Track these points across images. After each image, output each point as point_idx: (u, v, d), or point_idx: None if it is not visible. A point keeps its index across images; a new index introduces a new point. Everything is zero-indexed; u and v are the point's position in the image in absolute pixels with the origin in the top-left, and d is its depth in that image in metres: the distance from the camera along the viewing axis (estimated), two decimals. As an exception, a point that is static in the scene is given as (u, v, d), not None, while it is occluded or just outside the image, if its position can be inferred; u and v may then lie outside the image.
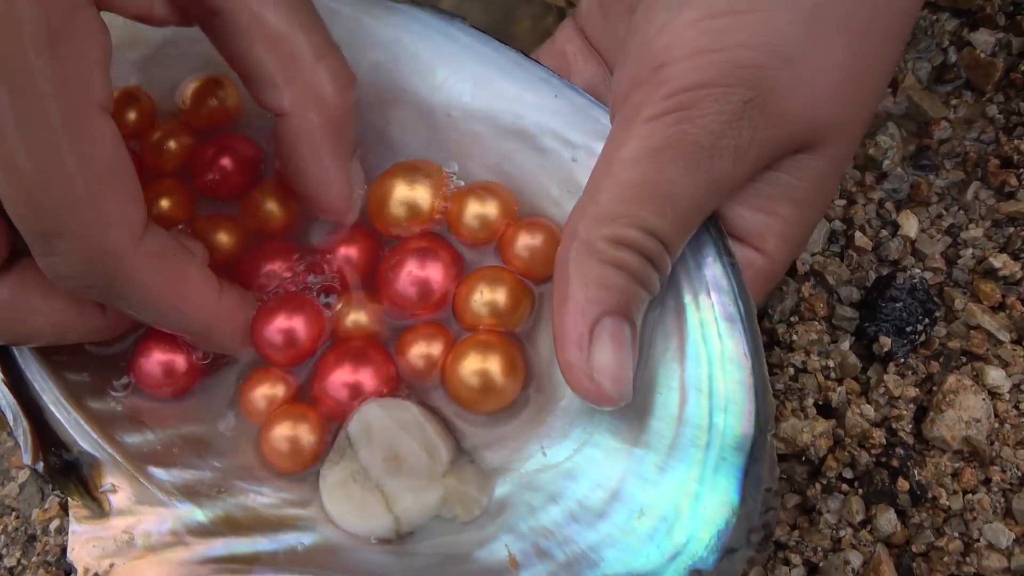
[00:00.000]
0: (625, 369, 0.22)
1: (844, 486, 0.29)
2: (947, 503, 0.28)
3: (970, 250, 0.33)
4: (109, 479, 0.24)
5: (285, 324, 0.25)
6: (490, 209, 0.26)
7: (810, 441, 0.29)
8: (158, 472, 0.24)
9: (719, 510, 0.22)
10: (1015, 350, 0.30)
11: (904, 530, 0.28)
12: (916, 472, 0.28)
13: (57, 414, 0.24)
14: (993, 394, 0.29)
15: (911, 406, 0.30)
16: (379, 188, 0.26)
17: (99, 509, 0.23)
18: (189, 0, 0.23)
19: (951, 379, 0.30)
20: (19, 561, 0.31)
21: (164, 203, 0.27)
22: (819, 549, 0.28)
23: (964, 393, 0.29)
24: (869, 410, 0.29)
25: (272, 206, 0.27)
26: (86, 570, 0.22)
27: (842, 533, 0.28)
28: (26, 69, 0.19)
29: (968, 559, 0.27)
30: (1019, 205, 0.33)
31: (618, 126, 0.23)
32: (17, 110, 0.19)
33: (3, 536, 0.31)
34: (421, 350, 0.25)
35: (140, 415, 0.25)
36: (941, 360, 0.31)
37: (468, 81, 0.27)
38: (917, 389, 0.30)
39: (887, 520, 0.28)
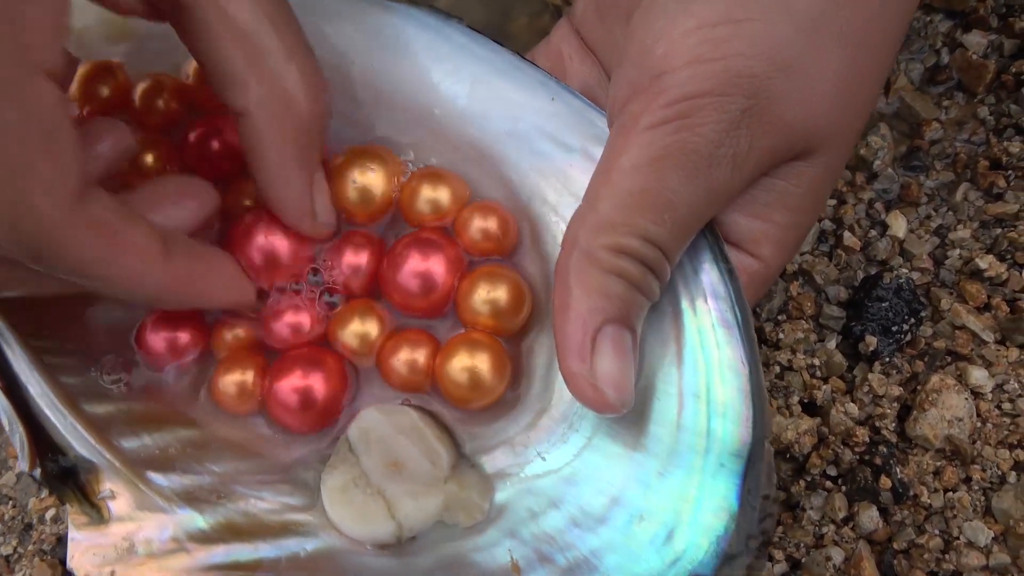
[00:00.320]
0: (627, 376, 0.22)
1: (828, 483, 0.30)
2: (928, 501, 0.29)
3: (957, 251, 0.33)
4: (107, 485, 0.24)
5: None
6: (441, 194, 0.26)
7: (794, 438, 0.29)
8: (157, 477, 0.24)
9: (718, 516, 0.22)
10: (999, 350, 0.31)
11: (886, 527, 0.29)
12: (899, 470, 0.29)
13: (53, 419, 0.23)
14: (976, 394, 0.30)
15: (895, 405, 0.30)
16: (337, 175, 0.26)
17: (98, 516, 0.23)
18: None
19: (934, 378, 0.30)
20: (15, 550, 0.31)
21: (148, 158, 0.27)
22: (802, 545, 0.29)
23: (947, 392, 0.30)
24: (853, 408, 0.30)
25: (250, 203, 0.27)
26: None
27: (825, 530, 0.29)
28: None
29: (948, 556, 0.28)
30: (1007, 207, 0.33)
31: (617, 134, 0.23)
32: None
33: (0, 525, 0.32)
34: (406, 356, 0.25)
35: (135, 418, 0.25)
36: (926, 360, 0.31)
37: (465, 82, 0.27)
38: (901, 388, 0.31)
39: (869, 517, 0.29)
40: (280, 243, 0.25)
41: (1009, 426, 0.29)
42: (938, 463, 0.29)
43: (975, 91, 0.36)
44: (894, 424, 0.30)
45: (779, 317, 0.33)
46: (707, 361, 0.23)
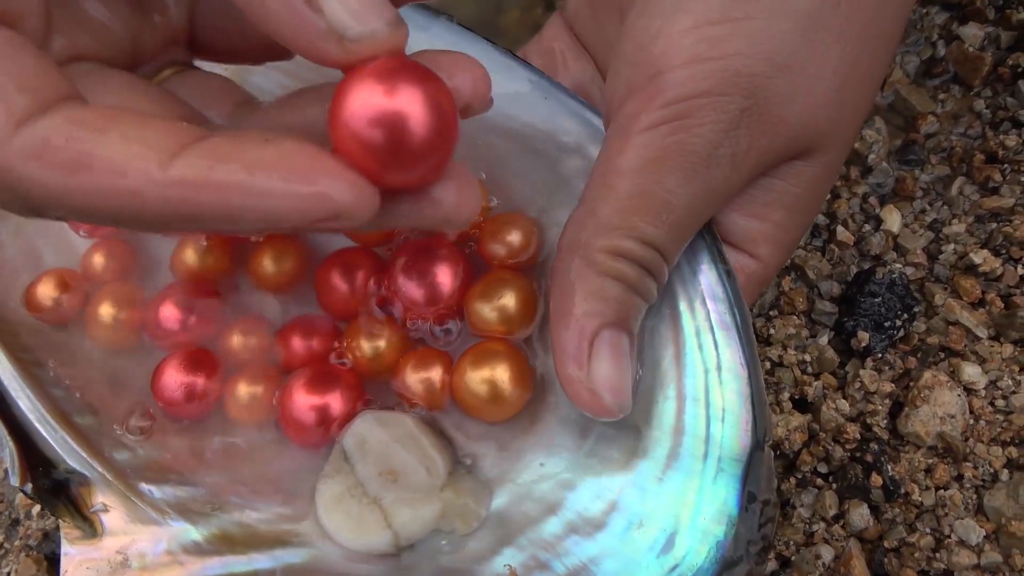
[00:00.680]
0: (624, 381, 0.22)
1: (818, 480, 0.30)
2: (919, 499, 0.29)
3: (952, 245, 0.33)
4: (100, 498, 0.23)
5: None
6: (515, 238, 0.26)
7: (785, 435, 0.30)
8: (150, 489, 0.24)
9: (718, 521, 0.22)
10: (992, 346, 0.31)
11: (877, 525, 0.29)
12: (890, 467, 0.29)
13: (44, 432, 0.23)
14: (969, 390, 0.30)
15: (886, 401, 0.30)
16: None
17: (91, 529, 0.23)
18: None
19: (927, 375, 0.30)
20: (1, 545, 0.31)
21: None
22: (791, 543, 0.29)
23: (939, 389, 0.30)
24: (844, 405, 0.30)
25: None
26: None
27: (815, 527, 0.29)
28: None
29: (939, 555, 0.28)
30: (1002, 201, 0.33)
31: (614, 134, 0.23)
32: None
33: (-14, 520, 0.32)
34: (420, 375, 0.25)
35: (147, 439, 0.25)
36: (919, 356, 0.31)
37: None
38: (893, 385, 0.31)
39: (860, 515, 0.29)
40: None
41: (1002, 423, 0.30)
42: (930, 460, 0.29)
43: (971, 84, 0.35)
44: (886, 421, 0.30)
45: (771, 313, 0.33)
46: (706, 364, 0.23)
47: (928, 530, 0.29)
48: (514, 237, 0.25)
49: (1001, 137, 0.34)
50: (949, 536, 0.28)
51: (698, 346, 0.23)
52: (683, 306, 0.24)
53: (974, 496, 0.29)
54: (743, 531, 0.22)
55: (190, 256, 0.26)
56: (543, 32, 0.31)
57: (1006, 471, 0.29)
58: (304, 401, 0.24)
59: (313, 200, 0.15)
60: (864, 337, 0.31)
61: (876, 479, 0.29)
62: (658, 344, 0.24)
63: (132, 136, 0.15)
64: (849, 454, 0.30)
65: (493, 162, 0.26)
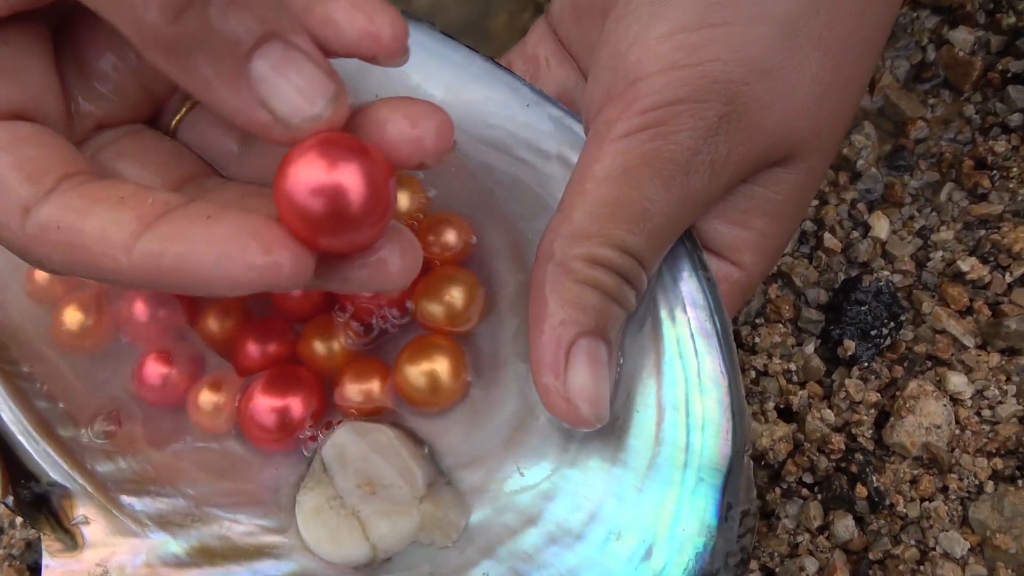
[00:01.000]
0: (602, 390, 0.22)
1: (803, 491, 0.30)
2: (904, 511, 0.29)
3: (940, 253, 0.33)
4: (81, 510, 0.23)
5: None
6: (402, 198, 0.26)
7: (770, 445, 0.29)
8: (131, 501, 0.24)
9: (697, 532, 0.22)
10: (979, 355, 0.31)
11: (862, 537, 0.29)
12: (875, 478, 0.29)
13: (26, 444, 0.23)
14: (955, 400, 0.30)
15: (872, 411, 0.30)
16: None
17: (72, 542, 0.23)
18: None
19: (913, 384, 0.30)
20: (-17, 554, 0.31)
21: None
22: (776, 555, 0.29)
23: (925, 399, 0.30)
24: (830, 415, 0.30)
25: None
26: None
27: (799, 539, 0.29)
28: None
29: (923, 568, 0.28)
30: (991, 207, 0.33)
31: (591, 142, 0.23)
32: None
33: (-32, 532, 0.32)
34: (359, 386, 0.25)
35: (112, 442, 0.25)
36: (905, 365, 0.31)
37: (438, 89, 0.26)
38: (879, 394, 0.30)
39: (845, 527, 0.29)
40: None
41: (988, 433, 0.29)
42: (915, 471, 0.29)
43: (961, 89, 0.35)
44: (871, 431, 0.30)
45: (756, 320, 0.32)
46: (686, 372, 0.23)
47: (913, 542, 0.28)
48: (449, 236, 0.25)
49: (991, 143, 0.34)
50: (934, 548, 0.28)
51: (679, 354, 0.23)
52: (664, 314, 0.23)
53: (959, 508, 0.29)
54: (722, 542, 0.22)
55: None
56: (527, 37, 0.30)
57: (991, 483, 0.29)
58: (264, 404, 0.24)
59: (247, 275, 0.17)
60: (850, 346, 0.31)
61: (861, 490, 0.29)
62: (639, 352, 0.23)
63: (105, 224, 0.18)
64: (834, 464, 0.29)
65: (473, 171, 0.26)
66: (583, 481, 0.23)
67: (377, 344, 0.26)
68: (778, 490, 0.30)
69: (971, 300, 0.32)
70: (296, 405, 0.24)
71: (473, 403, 0.25)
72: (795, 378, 0.31)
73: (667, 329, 0.23)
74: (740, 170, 0.22)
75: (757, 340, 0.31)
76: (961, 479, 0.29)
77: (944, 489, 0.29)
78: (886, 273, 0.32)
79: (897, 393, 0.30)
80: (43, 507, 0.24)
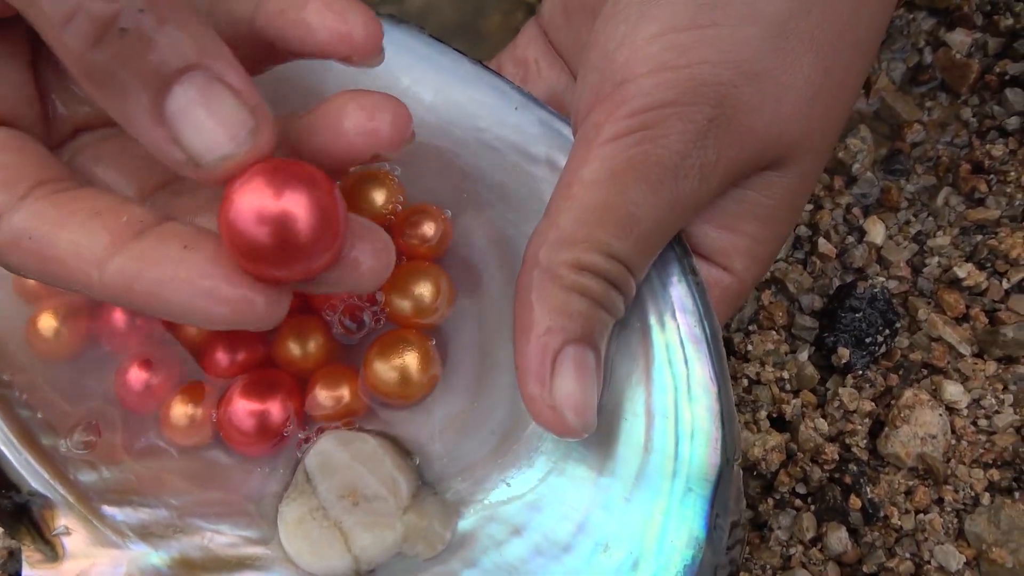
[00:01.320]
0: (589, 399, 0.22)
1: (796, 502, 0.29)
2: (899, 522, 0.28)
3: (936, 258, 0.32)
4: (62, 521, 0.23)
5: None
6: (378, 196, 0.26)
7: (762, 455, 0.29)
8: (112, 512, 0.23)
9: (685, 544, 0.21)
10: (976, 364, 0.30)
11: (855, 549, 0.28)
12: (869, 489, 0.28)
13: (7, 454, 0.23)
14: (951, 409, 0.29)
15: (866, 421, 0.30)
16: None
17: (52, 553, 0.23)
18: None
19: (908, 393, 0.29)
20: (-35, 564, 0.31)
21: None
22: (768, 567, 0.28)
23: (921, 408, 0.29)
24: (823, 424, 0.29)
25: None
26: None
27: (792, 551, 0.28)
28: None
29: (917, 581, 0.27)
30: (988, 212, 0.33)
31: (579, 145, 0.22)
32: None
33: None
34: (330, 393, 0.25)
35: (94, 452, 0.25)
36: (901, 373, 0.31)
37: (427, 92, 0.26)
38: (873, 403, 0.30)
39: (838, 539, 0.28)
40: None
41: (985, 444, 0.29)
42: (910, 483, 0.29)
43: (958, 91, 0.35)
44: (865, 441, 0.29)
45: (749, 327, 0.32)
46: (675, 379, 0.22)
47: (908, 555, 0.28)
48: (427, 228, 0.25)
49: (988, 147, 0.33)
50: (929, 562, 0.28)
51: (668, 361, 0.23)
52: (653, 320, 0.23)
53: (955, 520, 0.28)
54: (710, 554, 0.21)
55: None
56: (517, 39, 0.30)
57: (987, 495, 0.28)
58: (244, 408, 0.24)
59: (219, 310, 0.17)
60: (845, 354, 0.30)
61: (855, 501, 0.28)
62: (627, 357, 0.23)
63: (78, 238, 0.17)
64: (828, 475, 0.29)
65: (461, 174, 0.26)
66: (570, 491, 0.23)
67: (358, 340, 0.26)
68: (771, 501, 0.29)
69: (968, 307, 0.31)
70: (275, 408, 0.24)
71: (459, 411, 0.25)
72: (788, 386, 0.30)
73: (656, 335, 0.23)
74: (730, 174, 0.22)
75: (750, 347, 0.31)
76: (957, 491, 0.28)
77: (939, 501, 0.28)
78: (881, 279, 0.32)
79: (892, 402, 0.30)
80: (24, 517, 0.23)
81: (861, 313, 0.31)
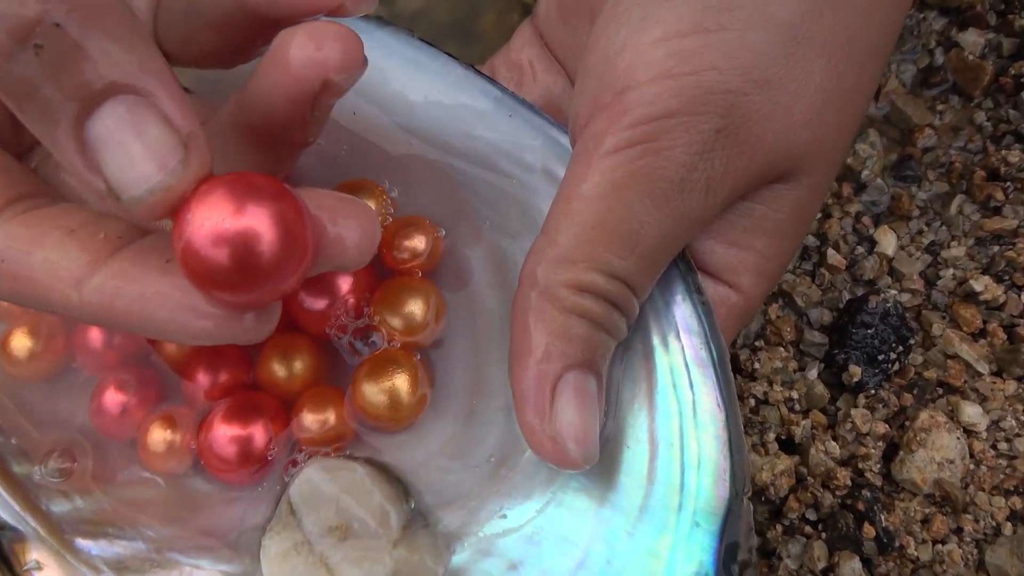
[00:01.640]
0: (590, 429, 0.21)
1: (807, 529, 0.28)
2: (915, 553, 0.27)
3: (951, 271, 0.31)
4: (33, 555, 0.22)
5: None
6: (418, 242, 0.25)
7: (770, 480, 0.28)
8: (86, 544, 0.23)
9: None
10: (995, 383, 0.29)
11: (869, 580, 0.27)
12: (883, 517, 0.27)
13: None
14: (969, 432, 0.28)
15: (880, 444, 0.28)
16: None
17: None
18: None
19: (924, 415, 0.28)
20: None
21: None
22: (779, 599, 0.27)
23: (937, 431, 0.28)
24: (835, 447, 0.28)
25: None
26: None
27: (804, 582, 0.27)
28: None
29: (935, 616, 0.26)
30: (1004, 222, 0.31)
31: (578, 157, 0.21)
32: None
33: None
34: (317, 416, 0.24)
35: (67, 480, 0.24)
36: (915, 392, 0.29)
37: (416, 98, 0.25)
38: (887, 425, 0.29)
39: (851, 569, 0.27)
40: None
41: (1005, 469, 0.27)
42: (927, 510, 0.27)
43: (971, 94, 0.33)
44: (879, 465, 0.28)
45: (756, 344, 0.30)
46: (680, 404, 0.22)
47: (924, 587, 0.27)
48: (417, 241, 0.25)
49: (1003, 152, 0.32)
50: (947, 595, 0.26)
51: (672, 385, 0.22)
52: (656, 341, 0.22)
53: (975, 551, 0.27)
54: None
55: None
56: (511, 42, 0.29)
57: (1009, 524, 0.27)
58: (225, 433, 0.23)
59: (204, 325, 0.16)
60: (856, 372, 0.29)
61: (869, 530, 0.27)
62: (630, 380, 0.22)
63: (54, 257, 0.17)
64: (840, 501, 0.28)
65: (453, 184, 0.25)
66: (570, 523, 0.22)
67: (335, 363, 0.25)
68: (779, 527, 0.28)
69: (985, 322, 0.30)
70: (258, 433, 0.24)
71: (451, 436, 0.24)
72: (797, 406, 0.29)
73: (659, 357, 0.22)
74: (738, 187, 0.21)
75: (757, 365, 0.30)
76: (977, 520, 0.27)
77: (958, 530, 0.27)
78: (893, 292, 0.31)
79: (907, 424, 0.29)
80: (-7, 551, 0.23)
81: (873, 329, 0.29)
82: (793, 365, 0.30)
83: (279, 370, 0.24)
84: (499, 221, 0.25)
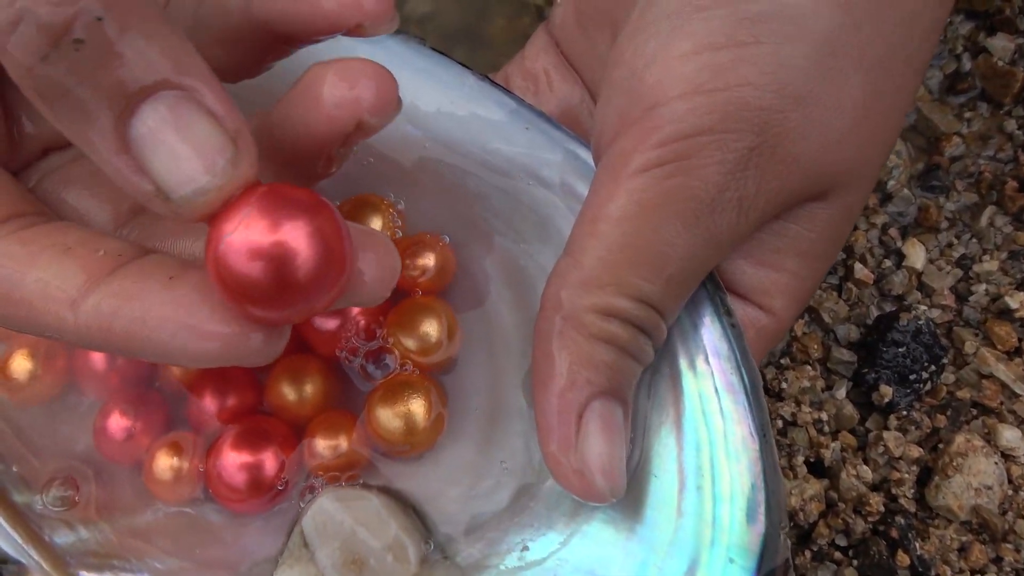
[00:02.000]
0: (617, 460, 0.20)
1: (836, 554, 0.27)
2: (953, 582, 0.26)
3: (983, 286, 0.30)
4: None
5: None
6: (374, 225, 0.24)
7: (800, 505, 0.27)
8: None
9: None
10: (1031, 404, 0.28)
11: (905, 611, 0.26)
12: (918, 545, 0.26)
13: None
14: (1007, 456, 0.27)
15: (913, 468, 0.28)
16: None
17: None
18: None
19: (959, 439, 0.27)
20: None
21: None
22: (810, 630, 0.26)
23: (974, 455, 0.27)
24: (866, 471, 0.27)
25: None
26: None
27: (837, 612, 0.26)
28: None
29: (974, 649, 0.25)
30: (1037, 235, 0.30)
31: (604, 175, 0.21)
32: None
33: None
34: (329, 442, 0.23)
35: (71, 510, 0.23)
36: (948, 413, 0.28)
37: (429, 110, 0.25)
38: (920, 448, 0.28)
39: (886, 599, 0.26)
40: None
41: (1044, 495, 0.27)
42: (963, 538, 0.26)
43: (1001, 101, 0.33)
44: (912, 490, 0.27)
45: (782, 362, 0.30)
46: (710, 433, 0.21)
47: (963, 619, 0.26)
48: (426, 258, 0.24)
49: (1036, 162, 0.31)
50: (987, 628, 0.25)
51: (701, 411, 0.21)
52: (683, 364, 0.21)
53: (1015, 582, 0.26)
54: None
55: None
56: (526, 50, 0.29)
57: (1052, 554, 0.26)
58: (234, 461, 0.23)
59: (209, 346, 0.15)
60: (887, 392, 0.28)
61: (903, 558, 0.26)
62: (657, 407, 0.21)
63: (48, 277, 0.16)
64: (872, 527, 0.27)
65: (467, 199, 0.24)
66: (595, 557, 0.21)
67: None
68: (808, 553, 0.27)
69: (1020, 340, 0.29)
70: (269, 460, 0.23)
71: (470, 463, 0.23)
72: (826, 428, 0.28)
73: (687, 382, 0.21)
74: (771, 207, 0.20)
75: (784, 385, 0.29)
76: (1017, 549, 0.26)
77: (998, 560, 0.26)
78: (923, 308, 0.30)
79: (940, 446, 0.28)
80: (-6, 585, 0.22)
81: (905, 348, 0.28)
82: (820, 384, 0.29)
83: (289, 393, 0.23)
84: (515, 238, 0.24)
